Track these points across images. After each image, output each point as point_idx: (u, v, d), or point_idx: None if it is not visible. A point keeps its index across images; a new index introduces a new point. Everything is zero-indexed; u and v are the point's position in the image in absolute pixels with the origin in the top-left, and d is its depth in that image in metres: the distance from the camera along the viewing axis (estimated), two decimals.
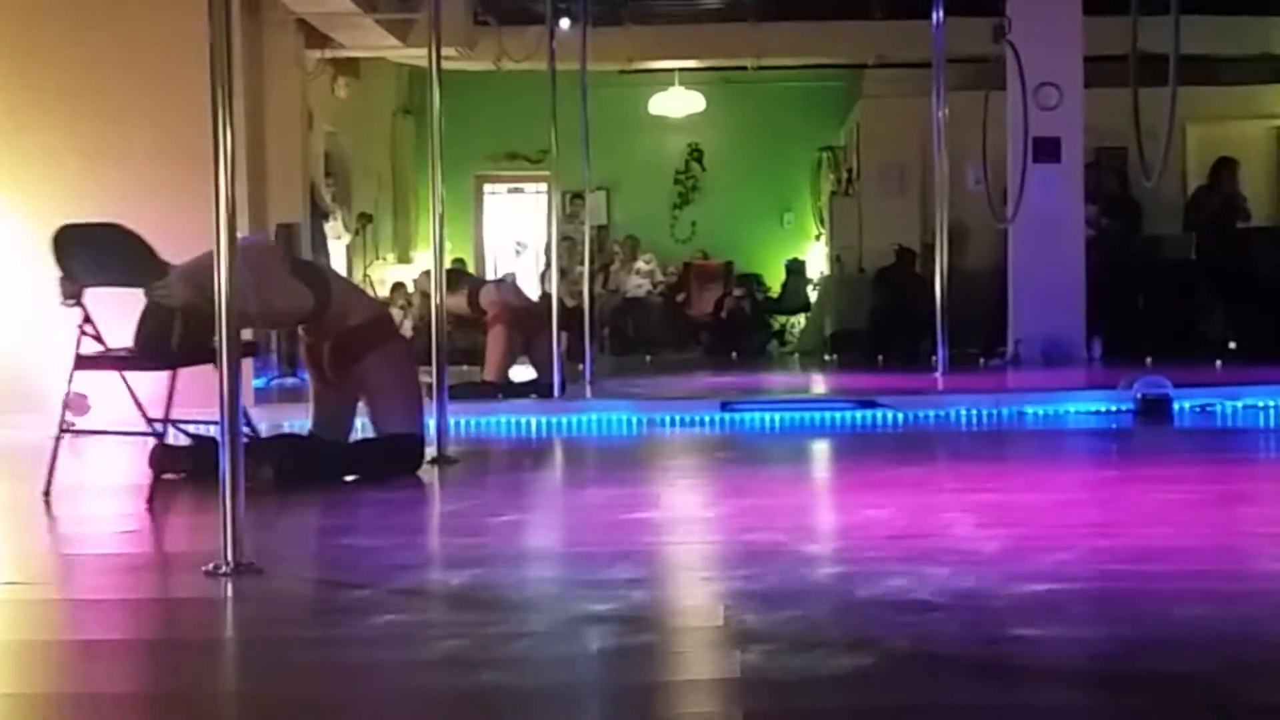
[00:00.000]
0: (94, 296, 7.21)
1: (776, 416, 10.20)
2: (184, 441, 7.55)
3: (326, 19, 14.50)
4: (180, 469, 7.37)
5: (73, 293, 7.14)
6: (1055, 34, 13.60)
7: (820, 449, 9.26)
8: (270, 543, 5.58)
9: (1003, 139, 13.53)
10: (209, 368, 5.11)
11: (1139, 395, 10.00)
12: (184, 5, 8.30)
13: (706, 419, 10.17)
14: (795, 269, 19.22)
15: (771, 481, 7.48)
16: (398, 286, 16.70)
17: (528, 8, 15.47)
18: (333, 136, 16.51)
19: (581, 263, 13.36)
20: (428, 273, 10.81)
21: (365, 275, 16.73)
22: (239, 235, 5.23)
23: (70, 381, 7.06)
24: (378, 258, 17.72)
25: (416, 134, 18.92)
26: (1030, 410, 10.23)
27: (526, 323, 11.57)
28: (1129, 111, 8.52)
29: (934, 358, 12.81)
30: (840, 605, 4.55)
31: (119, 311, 7.36)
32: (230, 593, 4.89)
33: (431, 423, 7.99)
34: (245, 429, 7.45)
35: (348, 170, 17.14)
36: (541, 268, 15.16)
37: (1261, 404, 10.17)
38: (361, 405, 7.79)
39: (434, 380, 8.20)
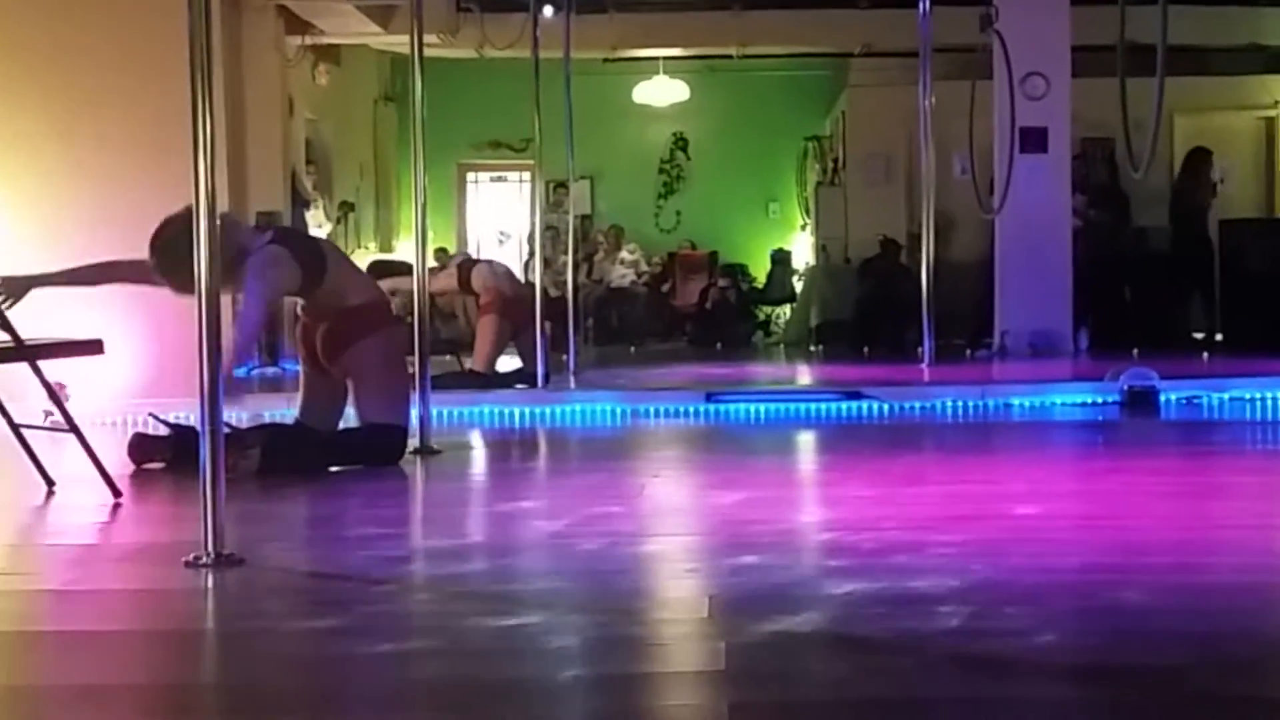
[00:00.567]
0: None
1: (762, 408, 10.15)
2: (163, 431, 7.49)
3: (307, 5, 14.42)
4: (161, 458, 7.33)
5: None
6: (1042, 23, 13.56)
7: (806, 440, 9.23)
8: (252, 534, 5.54)
9: (989, 129, 13.50)
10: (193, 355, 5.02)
11: (1125, 387, 9.98)
12: None
13: (691, 410, 10.13)
14: (780, 259, 19.18)
15: (757, 473, 7.46)
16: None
17: None
18: (314, 124, 16.42)
19: (565, 252, 13.31)
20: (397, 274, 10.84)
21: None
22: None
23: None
24: (360, 246, 17.62)
25: (399, 122, 18.82)
26: (1016, 402, 10.20)
27: (518, 312, 11.50)
28: (1116, 102, 8.48)
29: (920, 349, 12.79)
30: (825, 598, 4.52)
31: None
32: (211, 584, 4.85)
33: (415, 413, 7.93)
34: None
35: (329, 158, 17.05)
36: (525, 257, 15.08)
37: (1248, 396, 10.15)
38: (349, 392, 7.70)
39: (417, 370, 8.15)
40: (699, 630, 4.18)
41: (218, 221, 5.15)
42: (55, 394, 6.75)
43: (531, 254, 12.92)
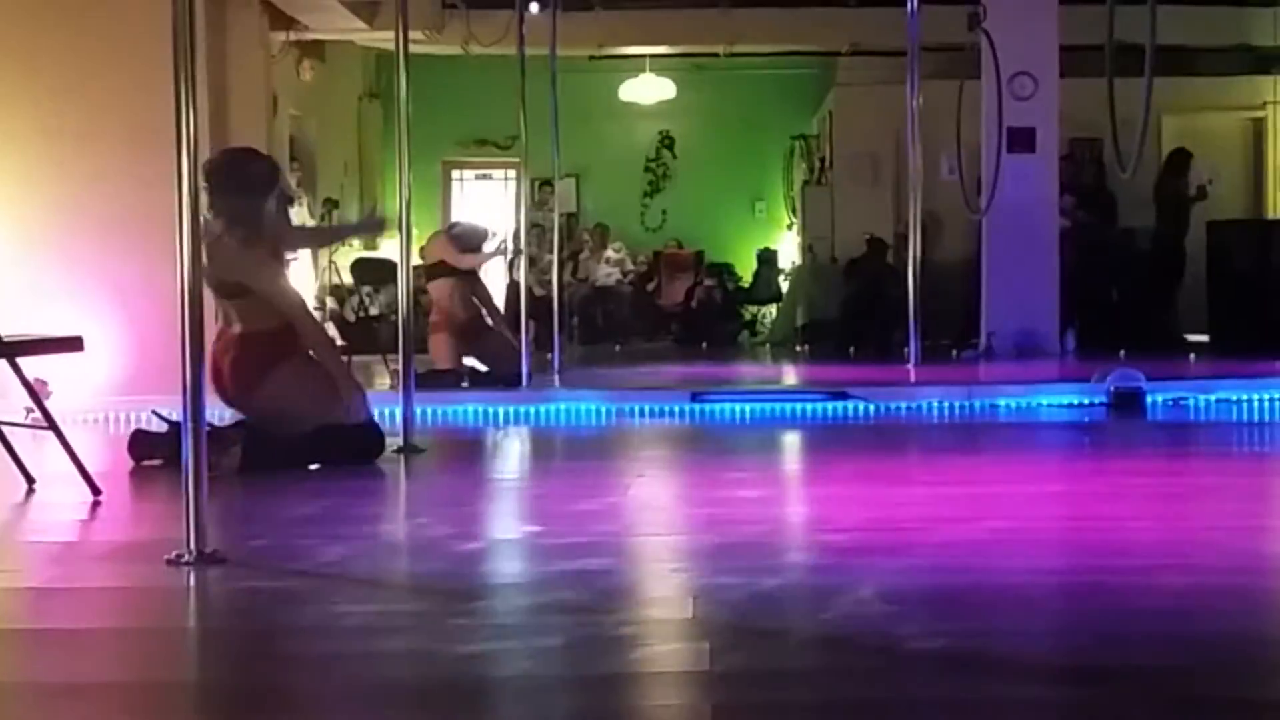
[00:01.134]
0: None
1: (747, 408, 10.12)
2: (162, 428, 7.45)
3: (292, 0, 14.36)
4: (159, 455, 7.30)
5: None
6: (1031, 23, 13.56)
7: (791, 441, 9.20)
8: (234, 532, 5.53)
9: (977, 129, 13.49)
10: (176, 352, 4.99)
11: (1112, 388, 9.97)
12: None
13: (676, 410, 10.11)
14: (767, 259, 19.16)
15: (742, 473, 7.42)
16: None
17: None
18: (297, 120, 16.37)
19: (550, 251, 13.27)
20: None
21: (330, 261, 16.59)
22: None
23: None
24: (345, 244, 17.58)
25: (383, 119, 18.78)
26: (1003, 403, 10.19)
27: (467, 332, 11.48)
28: (1104, 102, 8.46)
29: (906, 349, 12.76)
30: (810, 598, 4.53)
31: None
32: (192, 582, 4.82)
33: (398, 411, 7.89)
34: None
35: (313, 155, 16.99)
36: (510, 256, 15.02)
37: (1234, 398, 10.14)
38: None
39: (400, 369, 8.12)
40: (683, 630, 4.16)
41: None
42: (35, 391, 6.71)
43: (517, 253, 12.87)
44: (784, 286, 18.65)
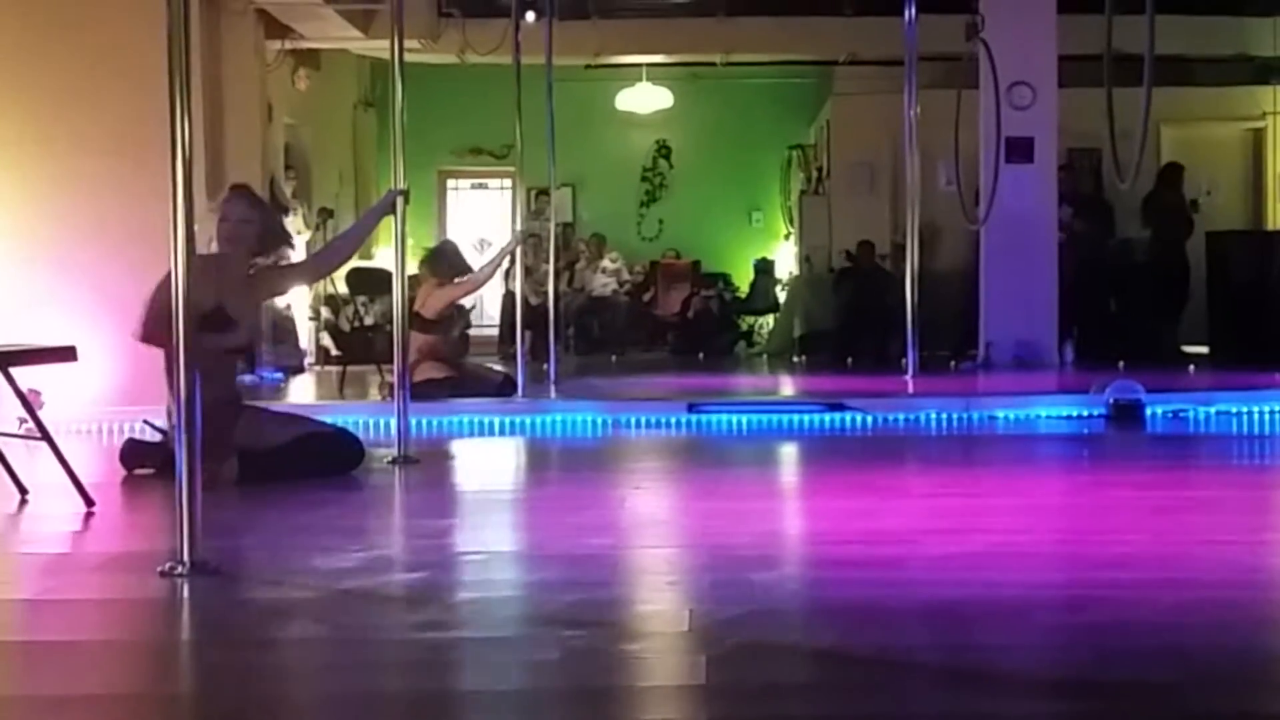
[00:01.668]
0: None
1: (744, 419, 10.08)
2: (154, 437, 7.41)
3: (287, 9, 14.35)
4: (151, 464, 7.28)
5: None
6: (1029, 32, 13.54)
7: (788, 452, 9.18)
8: (227, 543, 5.48)
9: (975, 138, 13.47)
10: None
11: (1111, 400, 9.93)
12: None
13: (673, 420, 10.07)
14: (764, 269, 19.13)
15: (739, 485, 7.42)
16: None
17: (493, 0, 15.32)
18: (293, 129, 16.33)
19: (547, 261, 13.24)
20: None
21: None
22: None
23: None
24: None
25: (378, 127, 18.74)
26: (1001, 414, 10.15)
27: (449, 365, 11.39)
28: (1103, 112, 8.44)
29: (904, 360, 12.73)
30: (808, 611, 4.54)
31: None
32: (185, 594, 4.79)
33: (393, 422, 7.86)
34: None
35: (308, 164, 16.97)
36: (506, 266, 15.00)
37: (1234, 410, 10.10)
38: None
39: (395, 379, 8.08)
40: (680, 643, 4.14)
41: None
42: (28, 401, 6.66)
43: (512, 263, 12.84)
44: (781, 297, 18.61)
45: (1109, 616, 4.36)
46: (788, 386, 13.94)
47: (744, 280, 19.45)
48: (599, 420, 10.09)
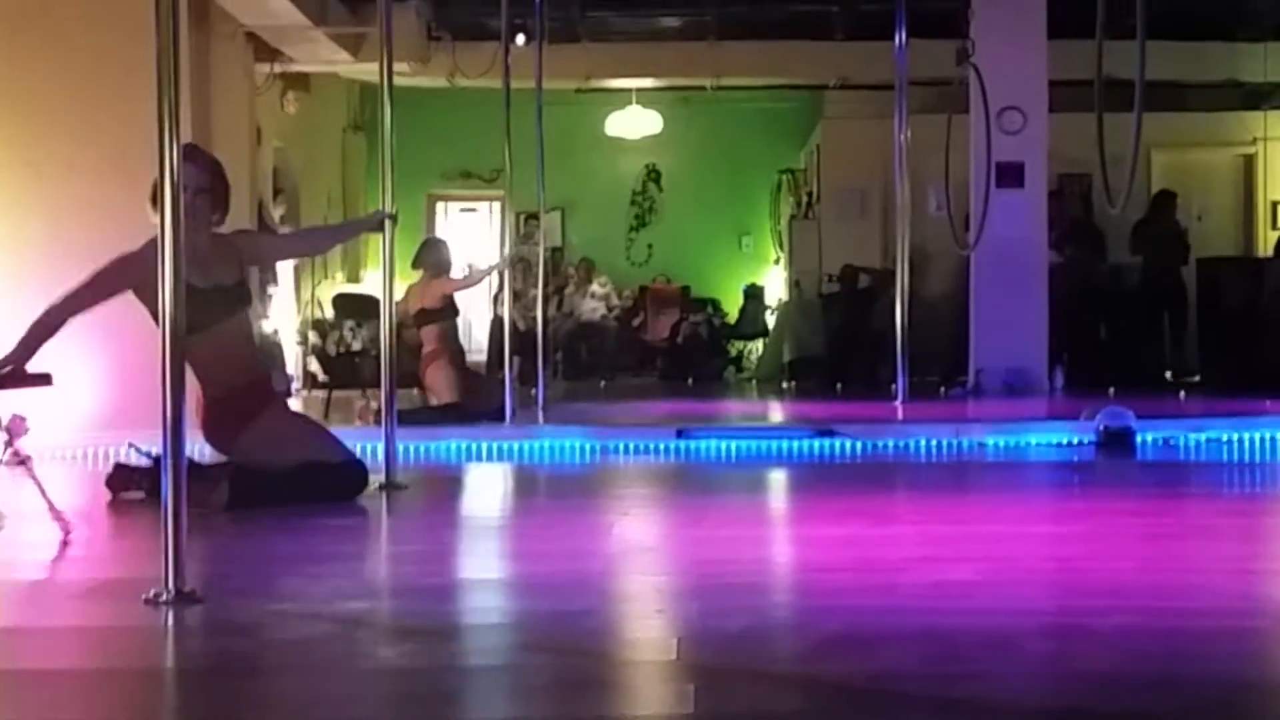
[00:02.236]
0: None
1: (733, 444, 10.08)
2: (142, 462, 7.36)
3: (276, 32, 14.32)
4: (139, 488, 7.24)
5: None
6: (1019, 58, 13.54)
7: (778, 478, 9.16)
8: (213, 570, 5.46)
9: (965, 163, 13.45)
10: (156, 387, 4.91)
11: (1101, 427, 9.91)
12: (130, 16, 8.17)
13: (662, 446, 10.05)
14: (753, 294, 19.12)
15: (727, 511, 7.39)
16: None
17: (483, 23, 15.31)
18: (281, 152, 16.30)
19: (535, 285, 13.21)
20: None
21: (313, 295, 16.53)
22: None
23: None
24: (327, 277, 17.52)
25: (367, 151, 18.73)
26: (991, 441, 10.14)
27: (462, 363, 11.40)
28: (1093, 138, 8.43)
29: (894, 386, 12.72)
30: (797, 639, 4.51)
31: None
32: (170, 621, 4.75)
33: (380, 448, 7.81)
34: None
35: (296, 187, 16.93)
36: (494, 290, 14.96)
37: (1224, 437, 10.08)
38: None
39: (383, 405, 8.04)
40: (667, 672, 4.11)
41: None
42: (6, 426, 6.62)
43: (501, 287, 12.81)
44: (771, 322, 18.59)
45: (1100, 645, 4.33)
46: (777, 412, 13.91)
47: (733, 305, 19.43)
48: (587, 446, 10.06)
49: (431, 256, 11.65)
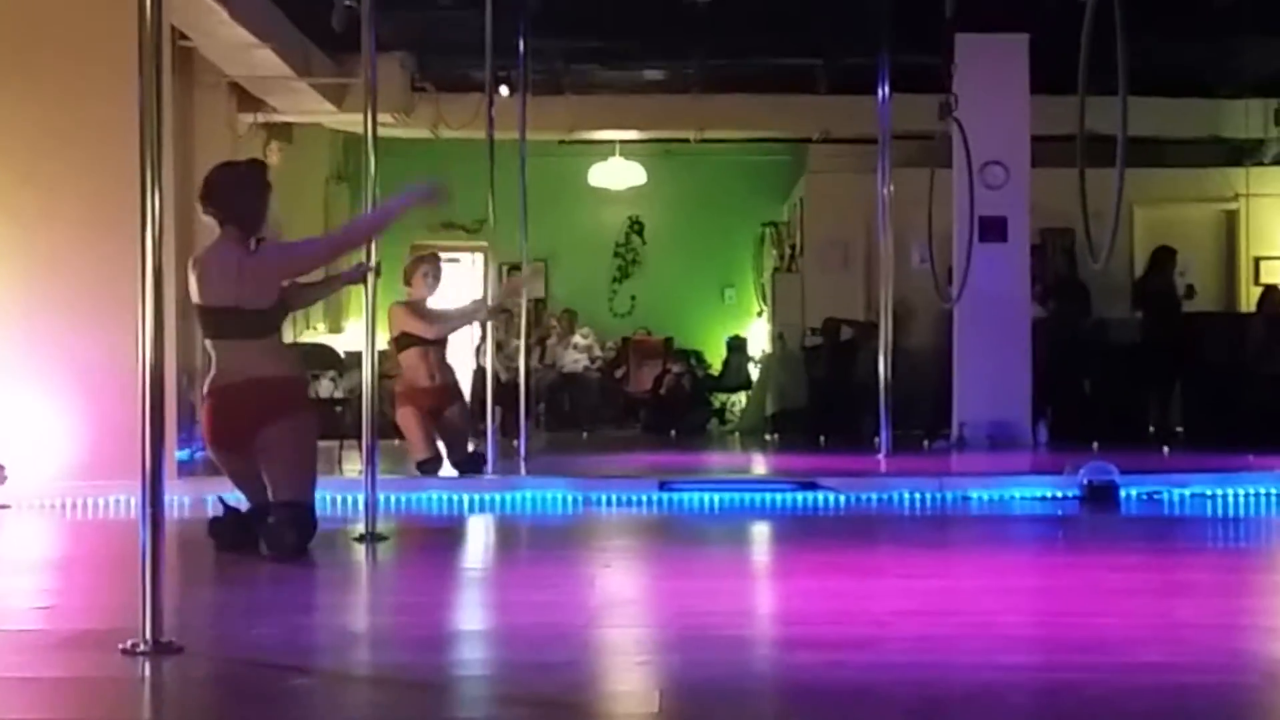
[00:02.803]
0: None
1: (716, 497, 10.05)
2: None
3: (260, 83, 14.34)
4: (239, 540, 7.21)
5: None
6: (1002, 112, 13.59)
7: (760, 531, 9.12)
8: (192, 621, 5.41)
9: (948, 217, 13.47)
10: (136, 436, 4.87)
11: (1085, 481, 9.90)
12: (113, 64, 8.16)
13: (644, 498, 10.02)
14: (736, 346, 19.11)
15: (710, 563, 7.38)
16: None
17: (466, 75, 15.35)
18: None
19: (517, 336, 13.19)
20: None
21: (295, 343, 16.47)
22: None
23: None
24: (309, 327, 17.47)
25: (350, 201, 18.71)
26: (975, 494, 10.11)
27: (433, 401, 11.24)
28: (1076, 192, 8.45)
29: (877, 439, 12.70)
30: (779, 692, 4.48)
31: None
32: (147, 673, 4.69)
33: (361, 498, 7.78)
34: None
35: (278, 237, 16.84)
36: (476, 340, 14.93)
37: (1209, 492, 10.07)
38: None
39: (364, 455, 7.99)
40: None
41: None
42: None
43: (483, 337, 12.79)
44: (754, 374, 18.59)
45: (1084, 700, 4.30)
46: (760, 465, 13.89)
47: (716, 357, 19.43)
48: (569, 497, 10.03)
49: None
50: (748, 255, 20.59)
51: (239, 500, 7.42)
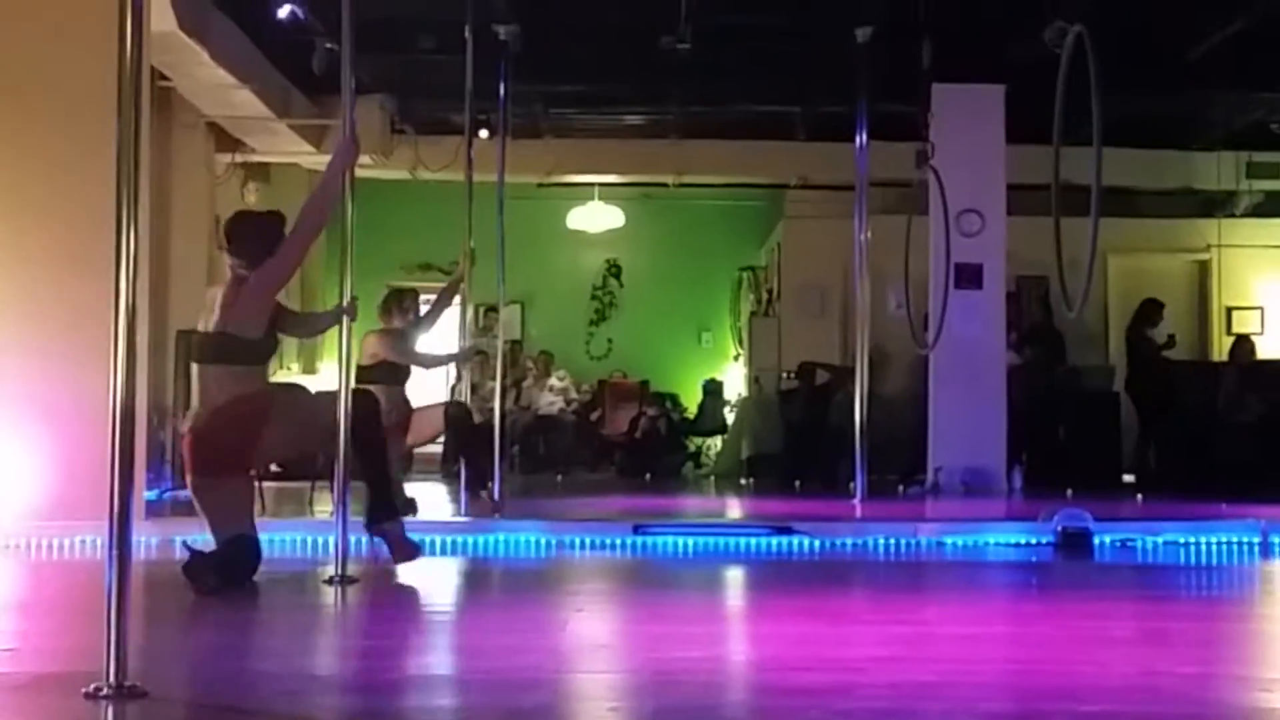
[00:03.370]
0: None
1: (690, 541, 10.02)
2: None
3: (239, 123, 14.35)
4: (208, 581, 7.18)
5: None
6: (978, 161, 13.66)
7: (735, 575, 9.11)
8: (157, 664, 5.33)
9: (925, 264, 13.51)
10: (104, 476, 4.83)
11: (1059, 528, 9.90)
12: (91, 102, 8.14)
13: (618, 542, 9.99)
14: (713, 390, 19.11)
15: (684, 608, 7.33)
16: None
17: (446, 118, 15.39)
18: None
19: (493, 378, 13.15)
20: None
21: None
22: None
23: None
24: (282, 367, 17.41)
25: (328, 242, 18.62)
26: (949, 540, 10.11)
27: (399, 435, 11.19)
28: (1051, 240, 8.48)
29: (852, 484, 12.69)
30: None
31: None
32: (110, 717, 4.63)
33: (331, 540, 7.75)
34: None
35: None
36: (452, 381, 14.90)
37: (1182, 540, 10.07)
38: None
39: (335, 497, 7.94)
40: None
41: None
42: None
43: (459, 379, 12.75)
44: (729, 418, 18.58)
45: None
46: (735, 509, 13.87)
47: (692, 401, 19.42)
48: (543, 540, 9.99)
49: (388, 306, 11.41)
50: (725, 299, 20.62)
51: (206, 542, 7.40)
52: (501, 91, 12.31)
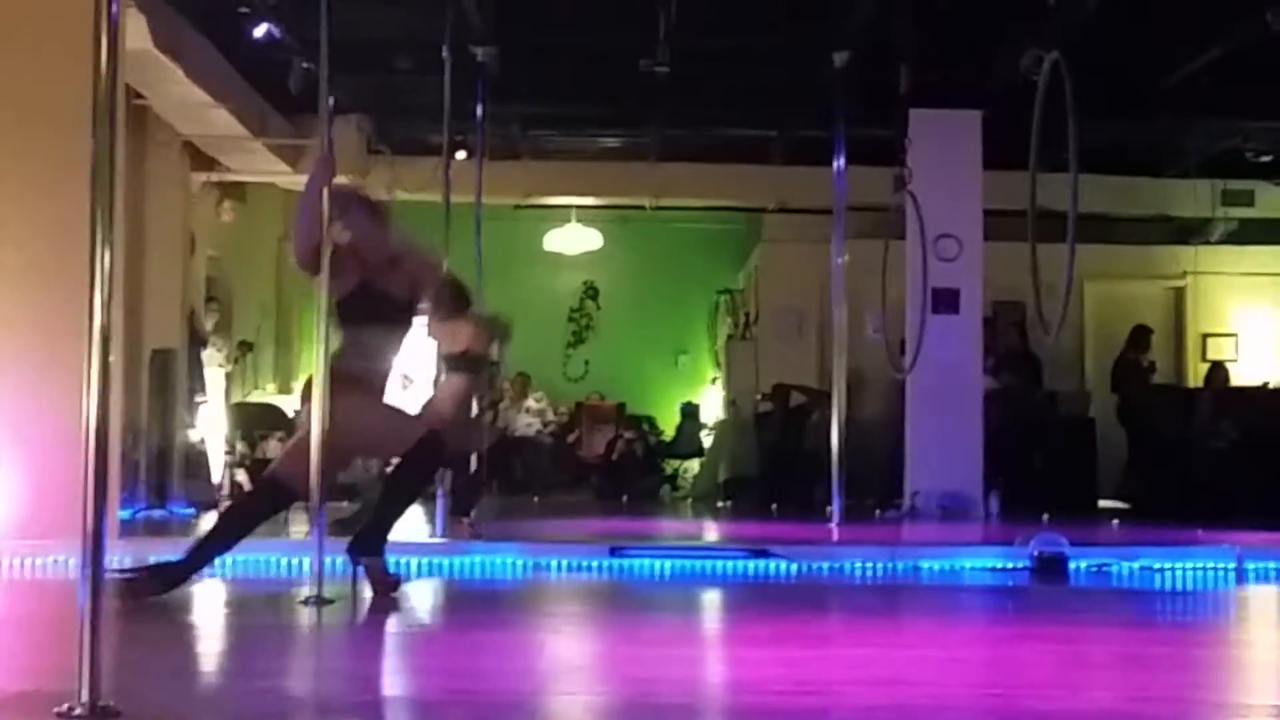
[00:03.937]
0: None
1: (667, 564, 10.01)
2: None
3: (214, 142, 14.33)
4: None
5: None
6: (956, 186, 13.72)
7: (711, 598, 9.08)
8: (132, 684, 5.28)
9: (902, 288, 13.53)
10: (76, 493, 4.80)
11: (1035, 553, 9.91)
12: (66, 120, 8.10)
13: (595, 564, 9.96)
14: (690, 412, 19.12)
15: (660, 630, 7.32)
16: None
17: (423, 139, 15.39)
18: (215, 261, 16.25)
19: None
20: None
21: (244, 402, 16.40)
22: None
23: None
24: (257, 387, 17.39)
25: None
26: (925, 565, 10.11)
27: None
28: (1027, 266, 8.49)
29: (829, 508, 12.69)
30: None
31: None
32: None
33: (307, 561, 7.72)
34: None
35: (230, 296, 16.86)
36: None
37: (1157, 565, 10.08)
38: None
39: (311, 517, 7.93)
40: None
41: None
42: None
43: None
44: (706, 441, 18.58)
45: None
46: (712, 532, 13.86)
47: (669, 423, 19.42)
48: (519, 562, 9.96)
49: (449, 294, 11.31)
50: (702, 322, 20.64)
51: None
52: (479, 113, 12.31)
